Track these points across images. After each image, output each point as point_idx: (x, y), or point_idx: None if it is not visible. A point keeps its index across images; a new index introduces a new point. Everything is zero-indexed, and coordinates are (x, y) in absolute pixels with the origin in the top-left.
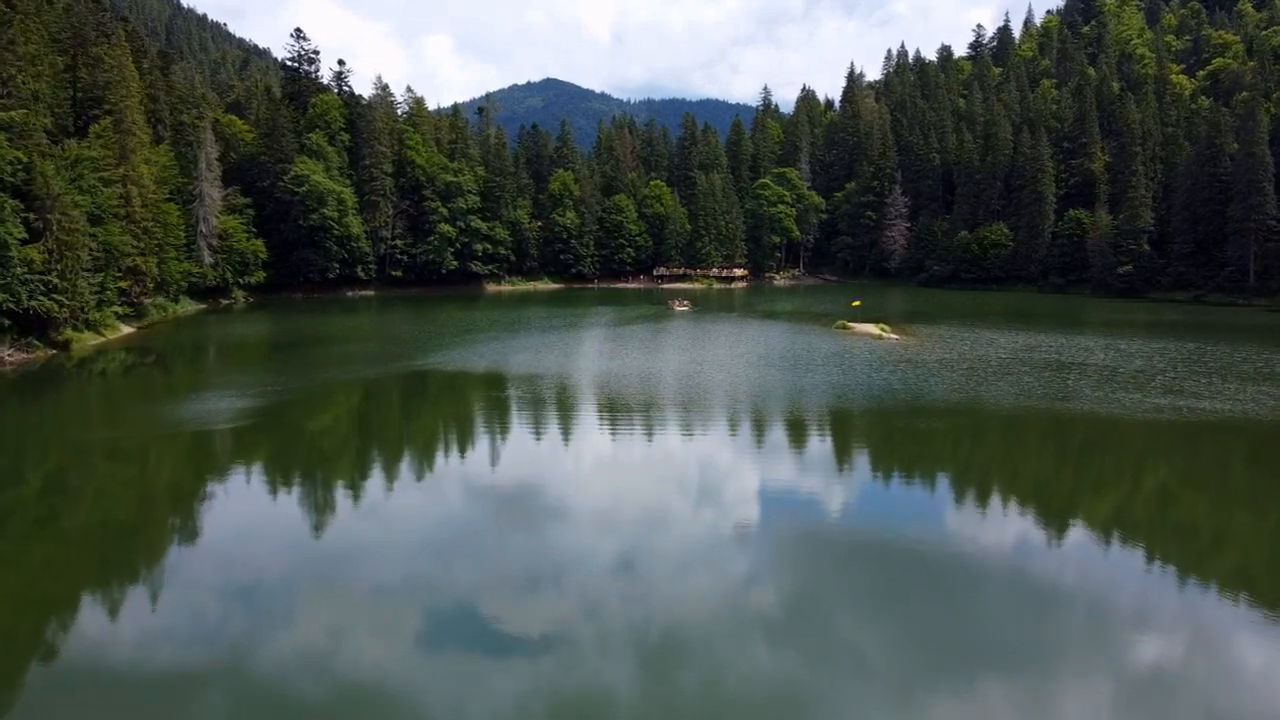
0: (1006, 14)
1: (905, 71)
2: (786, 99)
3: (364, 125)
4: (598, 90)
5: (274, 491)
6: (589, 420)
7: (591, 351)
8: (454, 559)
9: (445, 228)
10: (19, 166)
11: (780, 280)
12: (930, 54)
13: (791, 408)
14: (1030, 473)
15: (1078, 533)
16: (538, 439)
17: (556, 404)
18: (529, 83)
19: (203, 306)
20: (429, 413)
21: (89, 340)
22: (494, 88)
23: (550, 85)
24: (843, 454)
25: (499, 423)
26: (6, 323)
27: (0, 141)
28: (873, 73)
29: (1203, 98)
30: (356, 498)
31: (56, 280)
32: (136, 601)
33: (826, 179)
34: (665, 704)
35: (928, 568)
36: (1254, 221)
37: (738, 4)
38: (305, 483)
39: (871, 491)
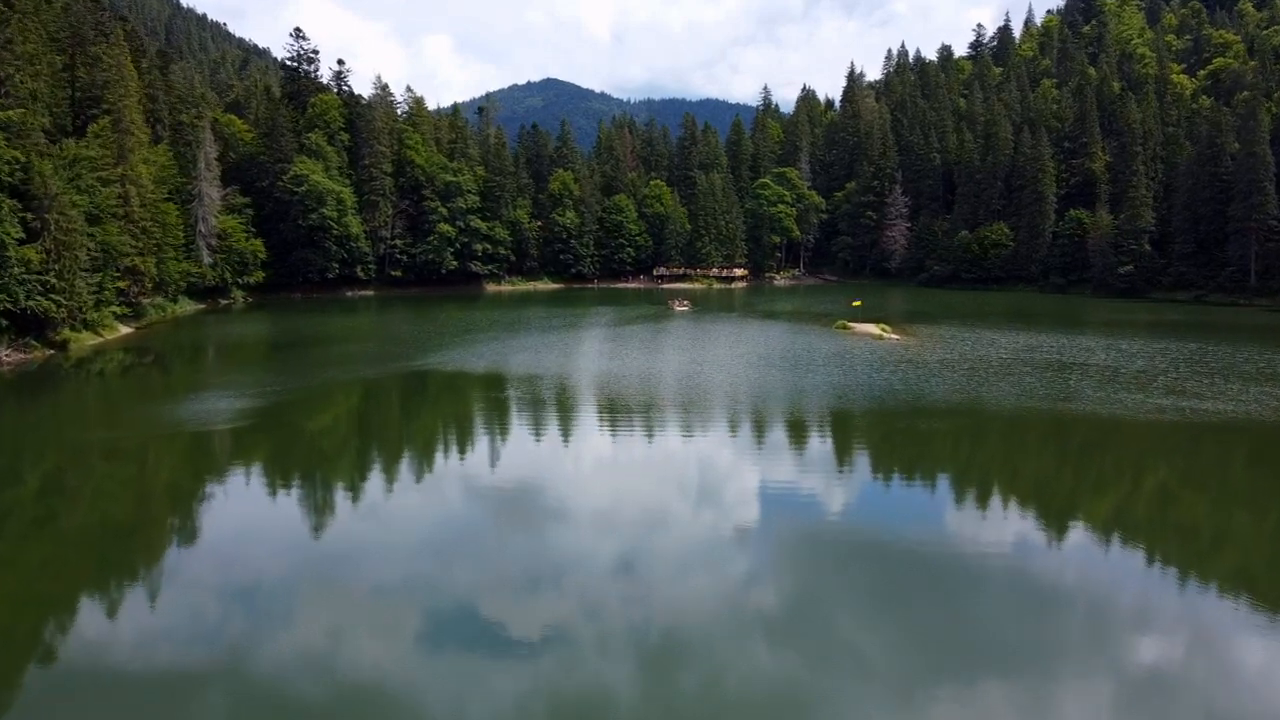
0: (1007, 14)
1: (905, 71)
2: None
3: (363, 125)
4: (598, 90)
5: (273, 492)
6: (589, 421)
7: (591, 352)
8: (454, 559)
9: (445, 227)
10: (17, 166)
11: (780, 280)
12: (930, 54)
13: (792, 408)
14: (1031, 473)
15: (1078, 533)
16: (537, 439)
17: (556, 404)
18: (529, 83)
19: (201, 306)
20: (428, 413)
21: (87, 340)
22: (494, 88)
23: (550, 85)
24: (843, 454)
25: (499, 423)
26: (4, 323)
27: None
28: (873, 73)
29: (1203, 97)
30: (356, 498)
31: (54, 280)
32: (135, 602)
33: (827, 179)
34: (665, 704)
35: (928, 568)
36: (1255, 221)
37: (738, 4)
38: (305, 483)
39: (872, 492)
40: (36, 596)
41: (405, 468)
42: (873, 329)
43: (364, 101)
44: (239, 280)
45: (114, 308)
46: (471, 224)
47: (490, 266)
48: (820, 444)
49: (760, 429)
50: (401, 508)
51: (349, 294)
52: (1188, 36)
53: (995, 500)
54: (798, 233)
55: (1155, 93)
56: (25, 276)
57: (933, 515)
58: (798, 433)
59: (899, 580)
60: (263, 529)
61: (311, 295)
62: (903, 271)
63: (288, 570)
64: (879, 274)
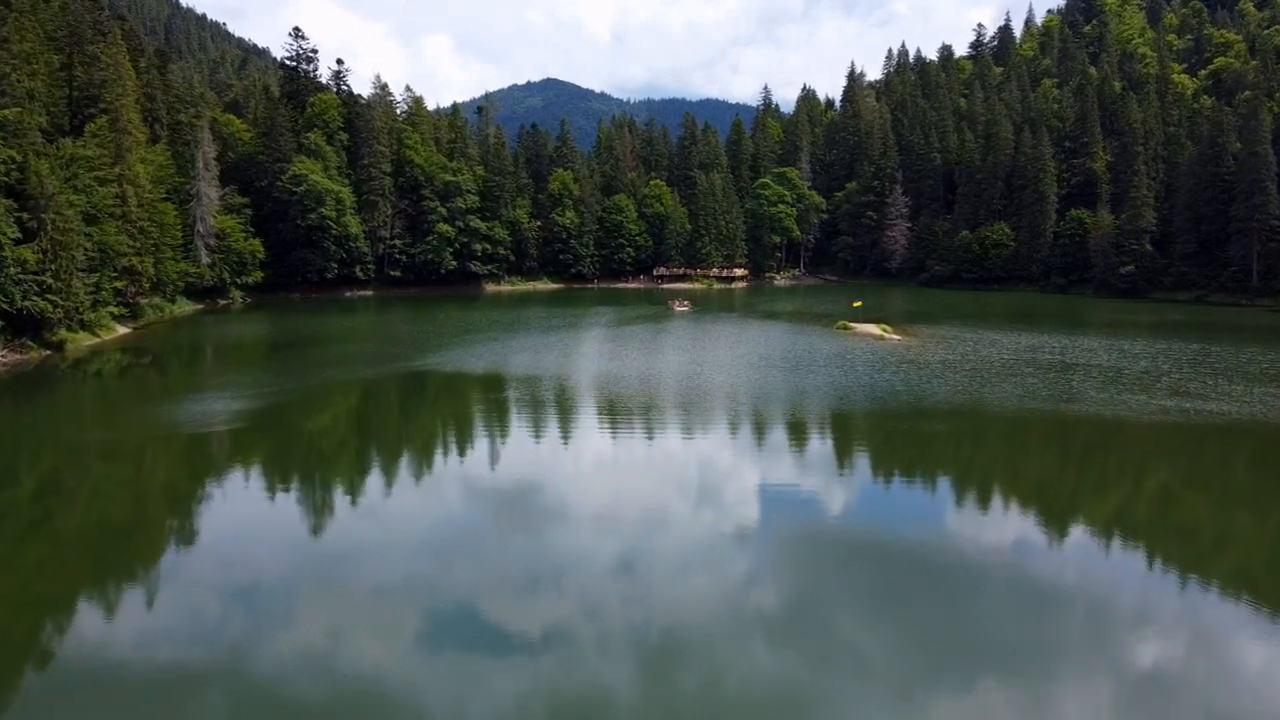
0: (1007, 13)
1: (906, 71)
2: (786, 99)
3: (363, 125)
4: (598, 90)
5: (272, 492)
6: (589, 421)
7: (591, 352)
8: (454, 559)
9: (444, 227)
10: (13, 165)
11: (781, 280)
12: (931, 53)
13: (792, 409)
14: (1033, 474)
15: (1079, 534)
16: (537, 440)
17: (556, 405)
18: (529, 82)
19: (200, 307)
20: (428, 413)
21: (84, 341)
22: (494, 87)
23: (550, 85)
24: (844, 455)
25: (498, 423)
26: (0, 323)
27: None
28: (873, 72)
29: (1205, 97)
30: (355, 498)
31: (51, 280)
32: (134, 602)
33: (827, 179)
34: (665, 704)
35: (929, 569)
36: (1257, 221)
37: (738, 4)
38: (304, 483)
39: (873, 493)
40: (34, 597)
41: (404, 468)
42: (873, 329)
43: (363, 101)
44: (237, 280)
45: (111, 308)
46: (471, 224)
47: (490, 266)
48: (821, 445)
49: (760, 430)
50: (401, 508)
51: (348, 294)
52: (1189, 36)
53: (996, 501)
54: (798, 233)
55: (1156, 92)
56: (21, 276)
57: (933, 516)
58: (798, 433)
59: (899, 580)
60: (262, 529)
61: (310, 295)
62: (903, 271)
63: (287, 570)
64: (879, 274)
